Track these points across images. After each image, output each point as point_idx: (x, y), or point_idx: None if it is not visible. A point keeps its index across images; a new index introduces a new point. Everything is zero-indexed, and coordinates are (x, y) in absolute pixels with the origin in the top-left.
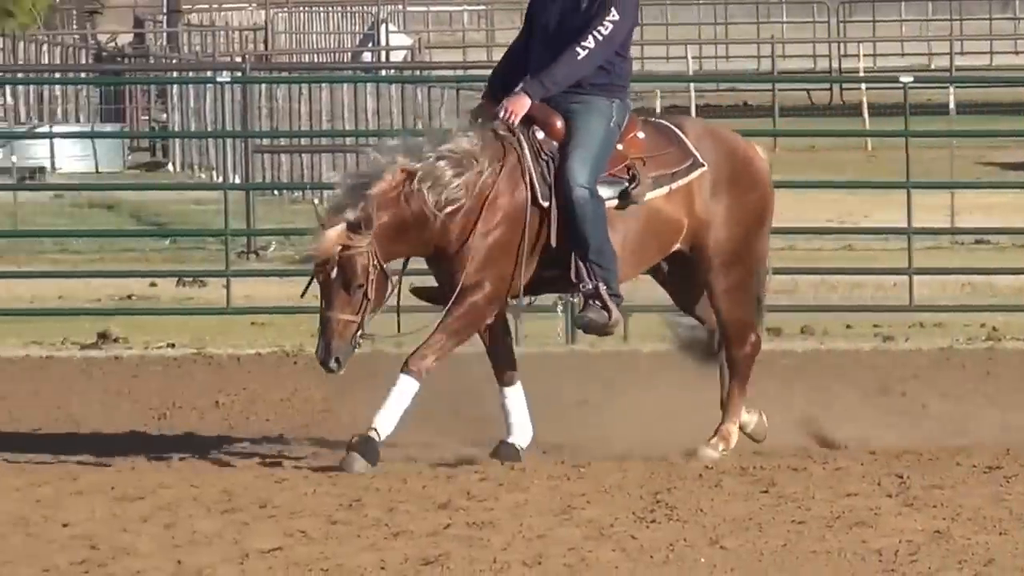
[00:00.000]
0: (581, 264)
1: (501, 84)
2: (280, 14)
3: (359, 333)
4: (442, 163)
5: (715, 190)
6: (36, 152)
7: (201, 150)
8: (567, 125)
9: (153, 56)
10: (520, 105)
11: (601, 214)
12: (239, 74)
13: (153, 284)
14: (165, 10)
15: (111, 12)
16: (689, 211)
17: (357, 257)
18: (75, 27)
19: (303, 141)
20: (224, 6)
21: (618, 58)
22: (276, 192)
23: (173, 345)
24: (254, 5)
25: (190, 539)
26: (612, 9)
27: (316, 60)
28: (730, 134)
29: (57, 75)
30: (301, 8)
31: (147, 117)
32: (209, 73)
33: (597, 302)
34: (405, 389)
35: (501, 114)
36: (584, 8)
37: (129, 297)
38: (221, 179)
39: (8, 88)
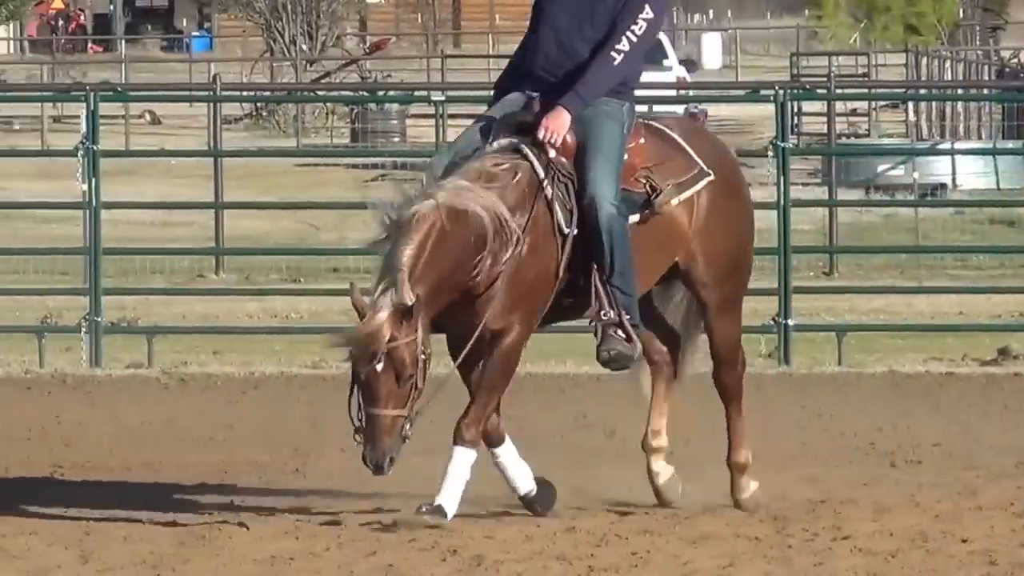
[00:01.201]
0: (602, 290)
1: (507, 89)
2: None
3: (408, 427)
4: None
5: (712, 198)
6: (938, 168)
7: None
8: (582, 135)
9: None
10: (561, 123)
11: (627, 234)
12: None
13: None
14: None
15: (1014, 28)
16: (691, 221)
17: (407, 347)
18: (978, 43)
19: None
20: None
21: None
22: None
23: None
24: None
25: None
26: (646, 6)
27: None
28: (716, 138)
29: (959, 91)
30: None
31: None
32: None
33: (620, 332)
34: (463, 460)
35: (542, 135)
36: (610, 3)
37: None
38: None
39: (911, 104)
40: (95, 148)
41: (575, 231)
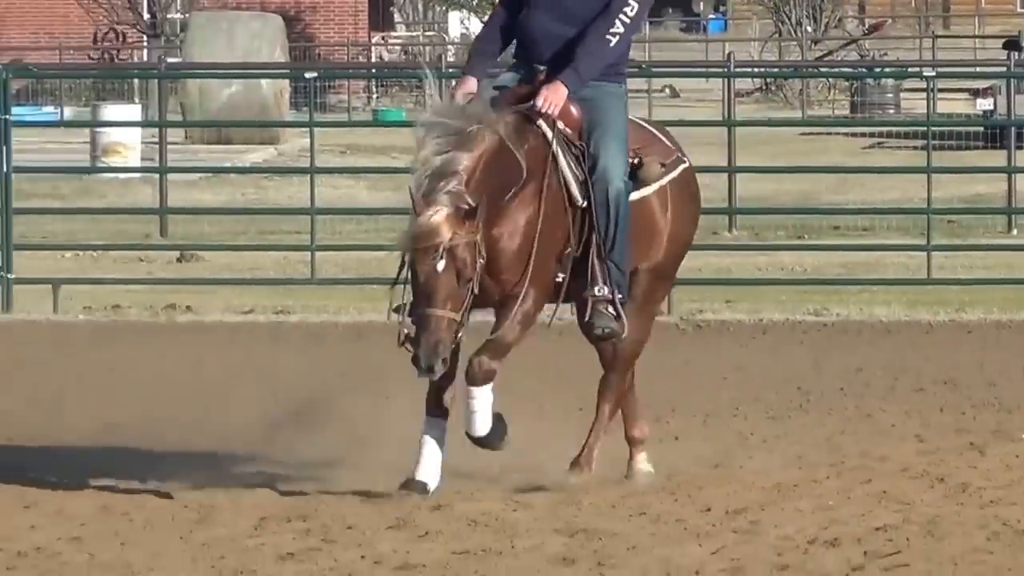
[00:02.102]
0: (598, 266)
1: (488, 57)
2: None
3: (460, 334)
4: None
5: (674, 194)
6: None
7: None
8: (590, 113)
9: None
10: (559, 96)
11: (629, 212)
12: None
13: None
14: None
15: None
16: (663, 213)
17: (467, 247)
18: None
19: None
20: None
21: None
22: None
23: None
24: None
25: None
26: None
27: None
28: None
29: None
30: None
31: None
32: None
33: (611, 309)
34: (482, 396)
35: (540, 104)
36: None
37: None
38: None
39: None
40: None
41: (584, 204)
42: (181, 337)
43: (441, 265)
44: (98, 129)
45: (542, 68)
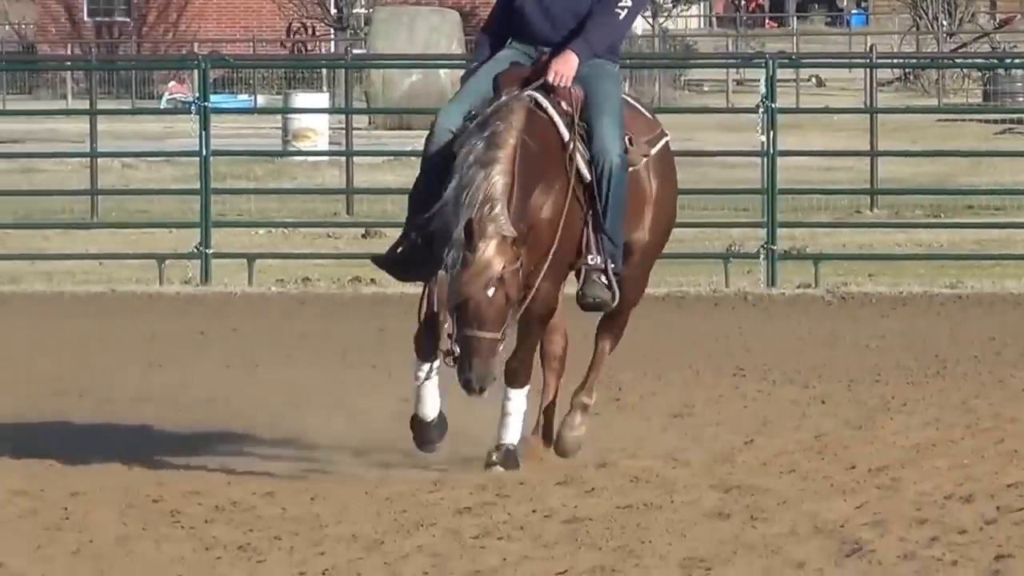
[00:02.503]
0: (593, 236)
1: (498, 40)
2: None
3: (501, 348)
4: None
5: (657, 168)
6: None
7: None
8: (588, 90)
9: None
10: (570, 67)
11: (626, 185)
12: None
13: None
14: None
15: None
16: (650, 185)
17: (513, 274)
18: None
19: None
20: None
21: None
22: None
23: None
24: None
25: None
26: None
27: None
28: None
29: None
30: None
31: None
32: None
33: (603, 278)
34: (517, 401)
35: (551, 78)
36: None
37: None
38: None
39: None
40: (773, 106)
41: (579, 179)
42: (365, 307)
43: (491, 292)
44: (289, 116)
45: (545, 48)
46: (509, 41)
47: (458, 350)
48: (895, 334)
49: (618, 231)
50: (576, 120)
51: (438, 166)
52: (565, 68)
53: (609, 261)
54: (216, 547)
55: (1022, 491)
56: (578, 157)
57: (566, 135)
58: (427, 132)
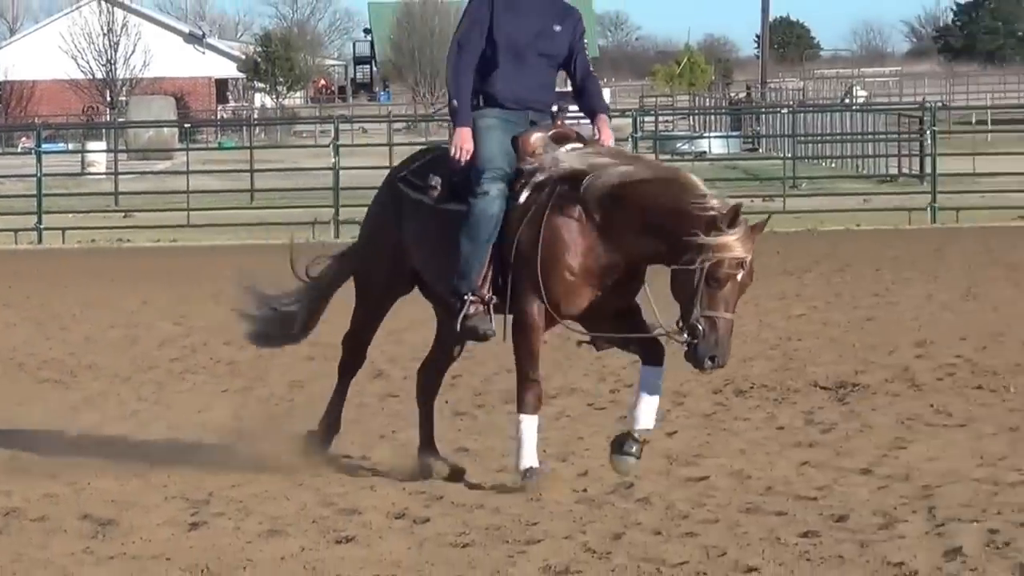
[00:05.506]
0: None
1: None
2: None
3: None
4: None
5: None
6: (702, 144)
7: None
8: None
9: None
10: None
11: None
12: None
13: None
14: None
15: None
16: None
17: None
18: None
19: None
20: None
21: None
22: None
23: None
24: None
25: None
26: (585, 41)
27: None
28: None
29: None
30: None
31: None
32: None
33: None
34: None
35: (606, 139)
36: (558, 33)
37: None
38: None
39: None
40: None
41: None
42: None
43: (741, 275)
44: (86, 152)
45: (553, 110)
46: (481, 100)
47: (702, 328)
48: None
49: None
50: None
51: (496, 218)
52: (609, 133)
53: None
54: None
55: None
56: None
57: None
58: (476, 194)
